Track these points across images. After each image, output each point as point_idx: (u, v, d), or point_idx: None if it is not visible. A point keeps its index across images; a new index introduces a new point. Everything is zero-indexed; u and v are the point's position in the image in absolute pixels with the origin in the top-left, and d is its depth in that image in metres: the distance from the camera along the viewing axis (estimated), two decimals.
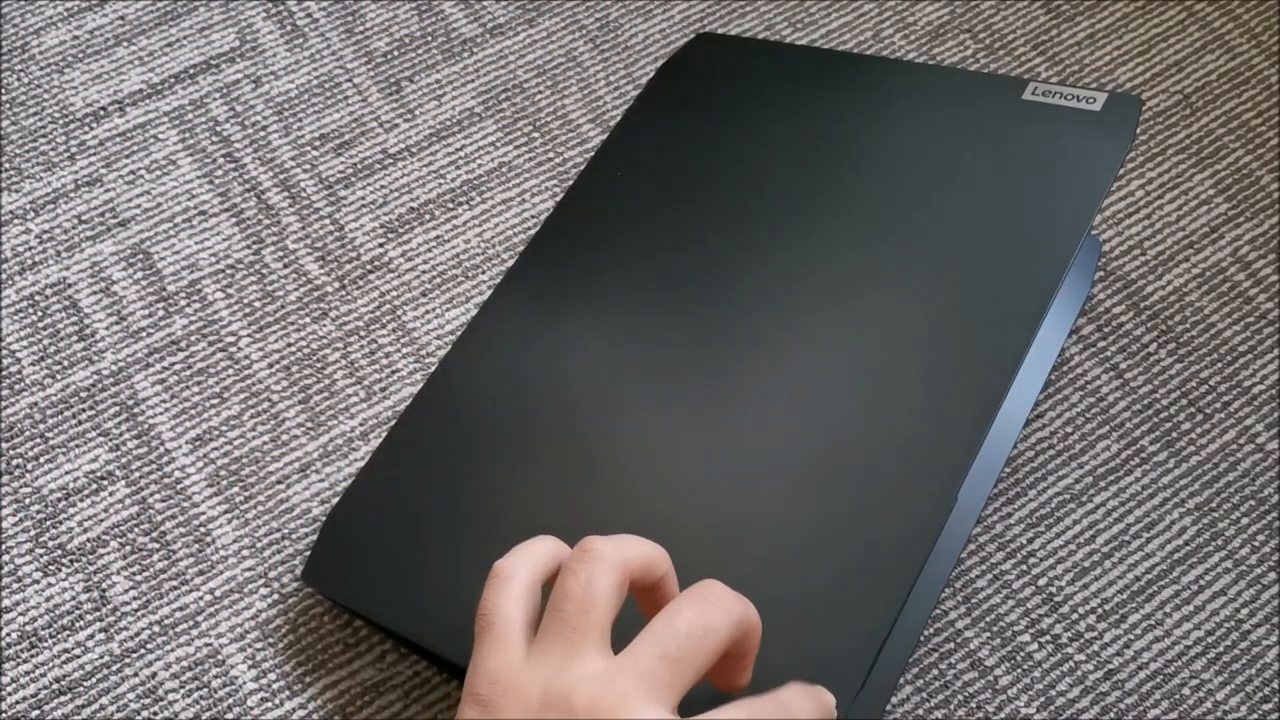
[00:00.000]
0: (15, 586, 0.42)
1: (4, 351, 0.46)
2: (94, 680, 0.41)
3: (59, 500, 0.43)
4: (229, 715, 0.40)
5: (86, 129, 0.50)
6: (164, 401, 0.45)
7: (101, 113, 0.51)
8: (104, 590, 0.42)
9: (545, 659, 0.28)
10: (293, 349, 0.47)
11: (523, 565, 0.32)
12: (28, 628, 0.41)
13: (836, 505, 0.35)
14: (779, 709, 0.29)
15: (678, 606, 0.29)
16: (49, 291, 0.47)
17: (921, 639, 0.43)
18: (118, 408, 0.45)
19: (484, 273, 0.49)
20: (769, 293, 0.40)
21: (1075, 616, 0.43)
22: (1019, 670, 0.43)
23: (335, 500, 0.44)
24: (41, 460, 0.44)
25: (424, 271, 0.48)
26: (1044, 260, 0.37)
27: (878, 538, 0.34)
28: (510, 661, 0.29)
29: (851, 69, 0.46)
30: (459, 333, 0.47)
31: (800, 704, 0.30)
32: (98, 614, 0.42)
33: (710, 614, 0.29)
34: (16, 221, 0.48)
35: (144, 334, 0.46)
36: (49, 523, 0.43)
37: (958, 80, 0.44)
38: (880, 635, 0.32)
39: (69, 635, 0.41)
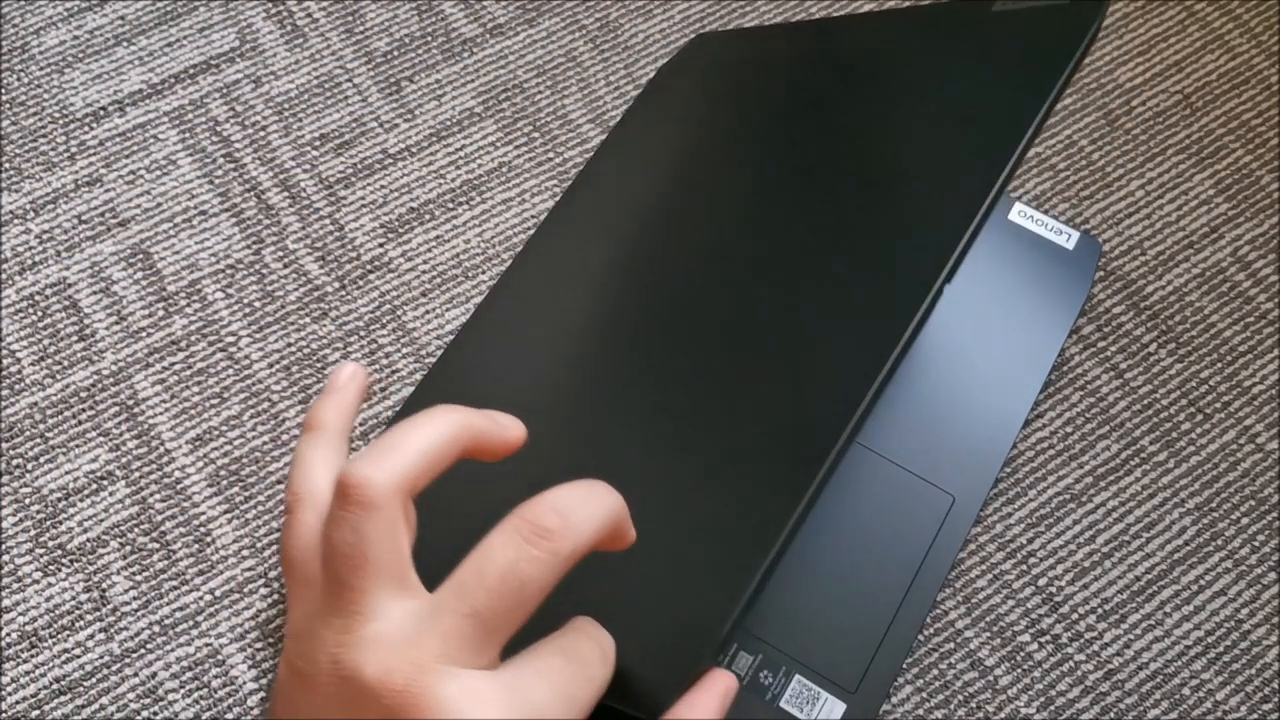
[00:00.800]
0: (15, 586, 0.42)
1: (4, 351, 0.46)
2: (94, 680, 0.41)
3: (59, 500, 0.43)
4: (229, 715, 0.40)
5: (86, 129, 0.50)
6: (164, 401, 0.45)
7: (101, 113, 0.51)
8: (104, 590, 0.42)
9: (330, 619, 0.25)
10: (293, 349, 0.47)
11: (310, 487, 0.28)
12: (28, 628, 0.41)
13: (715, 460, 0.33)
14: (568, 658, 0.26)
15: (491, 547, 0.24)
16: (49, 291, 0.47)
17: (921, 639, 0.43)
18: (118, 408, 0.45)
19: (484, 273, 0.49)
20: (761, 285, 0.40)
21: (1075, 616, 0.43)
22: (1019, 670, 0.43)
23: None
24: (41, 460, 0.44)
25: (424, 271, 0.48)
26: (993, 143, 0.36)
27: (752, 487, 0.32)
28: (307, 613, 0.26)
29: (834, 33, 0.46)
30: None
31: (582, 647, 0.26)
32: (98, 614, 0.42)
33: (528, 559, 0.24)
34: (16, 221, 0.48)
35: (144, 334, 0.46)
36: (49, 523, 0.43)
37: (931, 11, 0.43)
38: (737, 601, 0.29)
39: (69, 635, 0.41)
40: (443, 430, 0.27)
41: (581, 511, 0.26)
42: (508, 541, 0.24)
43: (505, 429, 0.29)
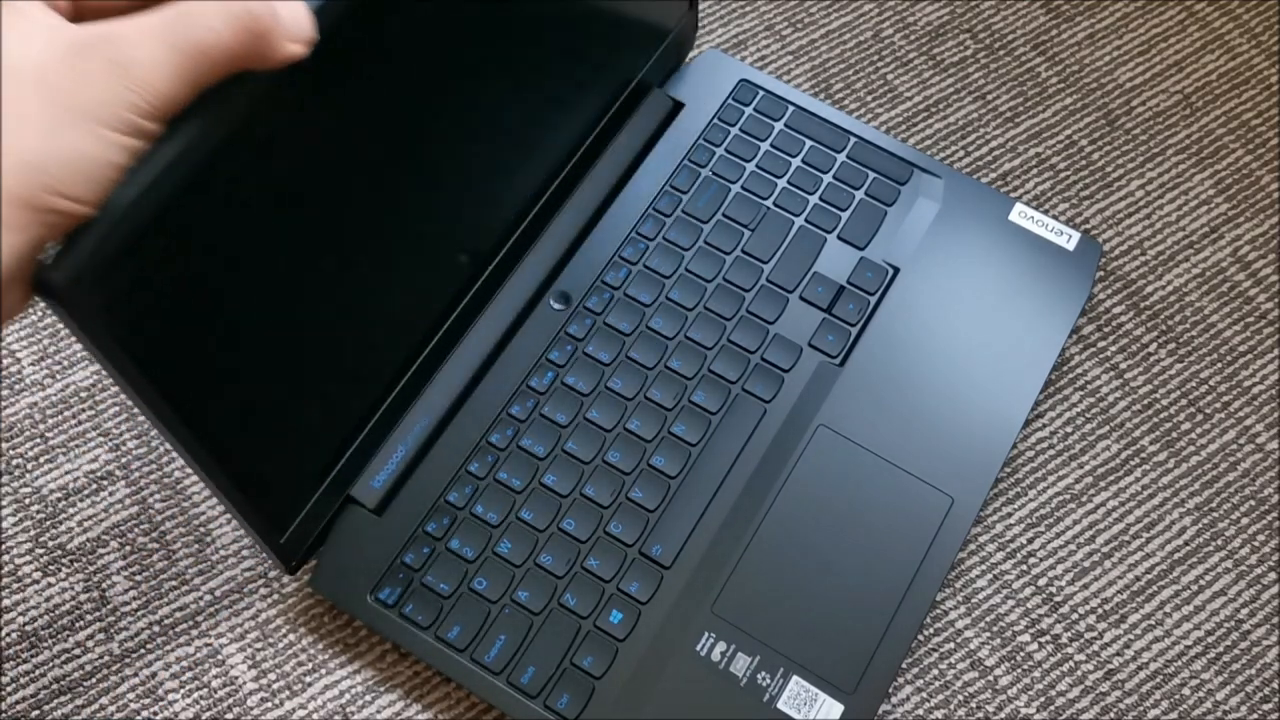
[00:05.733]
0: (15, 586, 0.42)
1: (4, 351, 0.46)
2: (94, 680, 0.41)
3: (59, 500, 0.43)
4: (229, 715, 0.40)
5: None
6: None
7: None
8: (104, 590, 0.42)
9: None
10: None
11: None
12: (28, 628, 0.41)
13: None
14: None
15: None
16: None
17: (921, 639, 0.43)
18: (118, 408, 0.45)
19: None
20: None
21: (1075, 616, 0.43)
22: (1019, 670, 0.43)
23: None
24: (41, 460, 0.44)
25: None
26: None
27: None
28: None
29: None
30: None
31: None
32: (98, 614, 0.42)
33: None
34: None
35: None
36: (49, 523, 0.43)
37: None
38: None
39: (69, 635, 0.41)
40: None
41: None
42: None
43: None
